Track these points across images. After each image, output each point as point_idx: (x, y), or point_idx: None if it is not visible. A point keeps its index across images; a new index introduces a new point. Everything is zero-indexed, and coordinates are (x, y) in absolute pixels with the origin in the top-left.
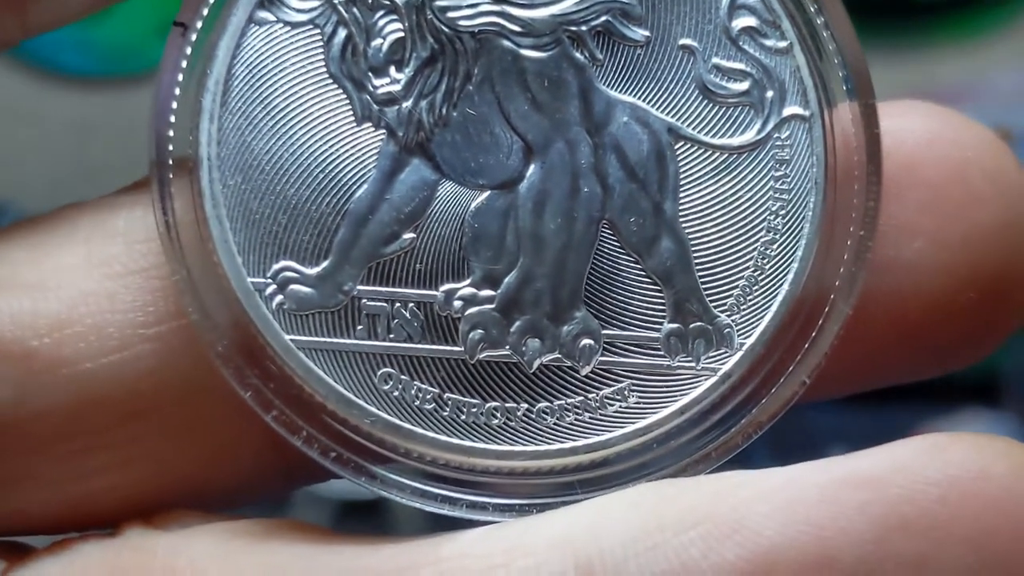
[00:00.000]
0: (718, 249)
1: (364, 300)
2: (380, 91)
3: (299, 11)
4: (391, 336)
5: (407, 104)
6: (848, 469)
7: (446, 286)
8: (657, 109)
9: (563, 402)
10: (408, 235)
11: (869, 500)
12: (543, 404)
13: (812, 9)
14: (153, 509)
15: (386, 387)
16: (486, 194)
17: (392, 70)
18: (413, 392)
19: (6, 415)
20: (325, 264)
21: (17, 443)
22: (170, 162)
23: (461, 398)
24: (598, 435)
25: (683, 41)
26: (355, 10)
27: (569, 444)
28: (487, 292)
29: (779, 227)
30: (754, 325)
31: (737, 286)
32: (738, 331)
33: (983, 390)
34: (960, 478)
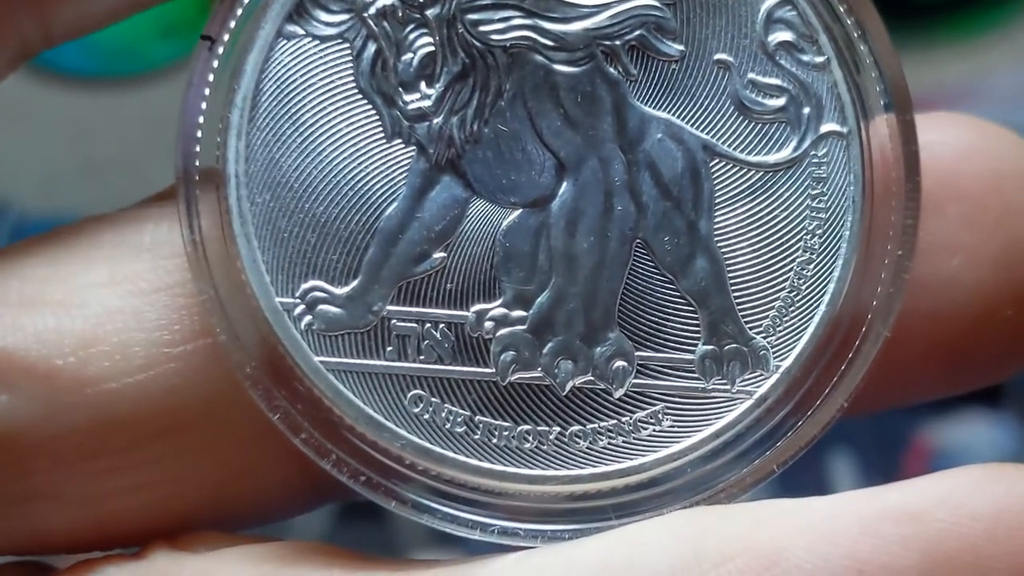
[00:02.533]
0: (754, 269)
1: (394, 321)
2: (410, 107)
3: (328, 25)
4: (421, 357)
5: (438, 120)
6: (891, 501)
7: (477, 306)
8: (692, 125)
9: (596, 425)
10: (439, 254)
11: (912, 534)
12: (575, 427)
13: (849, 22)
14: (178, 528)
15: (416, 409)
16: (518, 212)
17: (423, 85)
18: (444, 415)
19: (31, 433)
20: (354, 284)
21: (41, 461)
22: (197, 179)
23: (492, 421)
24: (631, 459)
25: (718, 56)
26: (385, 24)
27: (602, 468)
28: (519, 313)
29: (816, 247)
30: (790, 347)
31: (773, 307)
32: (774, 353)
33: (983, 391)
34: (1006, 512)
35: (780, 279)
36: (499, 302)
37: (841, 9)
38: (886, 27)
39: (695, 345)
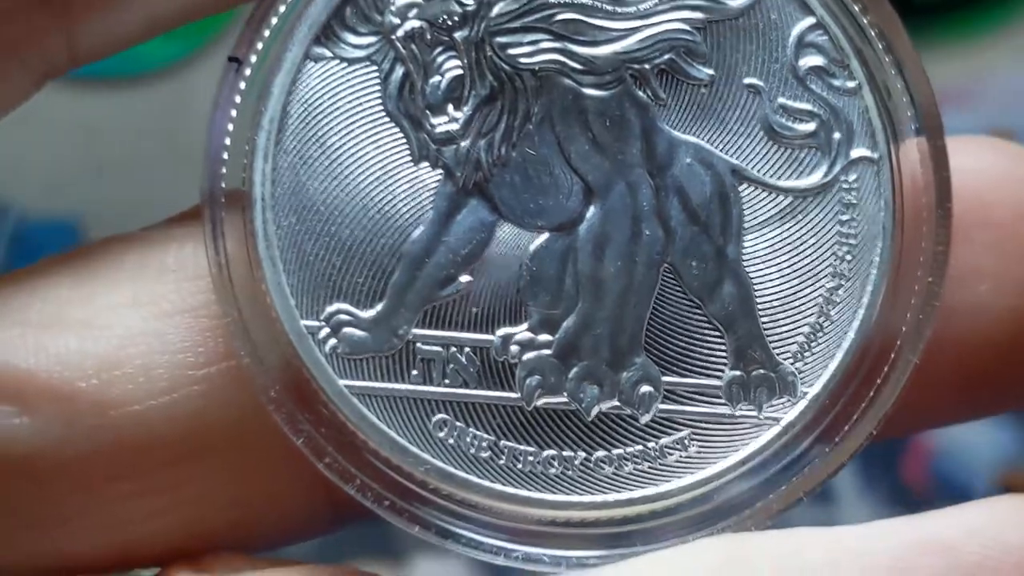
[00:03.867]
0: (782, 295)
1: (419, 344)
2: (438, 130)
3: (356, 47)
4: (446, 382)
5: (465, 143)
6: (922, 533)
7: (503, 330)
8: (721, 150)
9: (622, 451)
10: (465, 278)
11: (944, 567)
12: (601, 453)
13: (880, 47)
14: (199, 550)
15: (441, 434)
16: (545, 236)
17: (450, 108)
18: (468, 439)
19: (53, 456)
20: (380, 307)
21: (63, 484)
22: (223, 200)
23: (517, 446)
24: (657, 485)
25: (748, 80)
26: (413, 47)
27: (627, 494)
28: (545, 337)
29: (845, 272)
30: (818, 373)
31: (801, 333)
32: (802, 379)
33: None
34: None
35: (809, 305)
36: (525, 326)
37: (872, 33)
38: (910, 43)
39: (722, 371)
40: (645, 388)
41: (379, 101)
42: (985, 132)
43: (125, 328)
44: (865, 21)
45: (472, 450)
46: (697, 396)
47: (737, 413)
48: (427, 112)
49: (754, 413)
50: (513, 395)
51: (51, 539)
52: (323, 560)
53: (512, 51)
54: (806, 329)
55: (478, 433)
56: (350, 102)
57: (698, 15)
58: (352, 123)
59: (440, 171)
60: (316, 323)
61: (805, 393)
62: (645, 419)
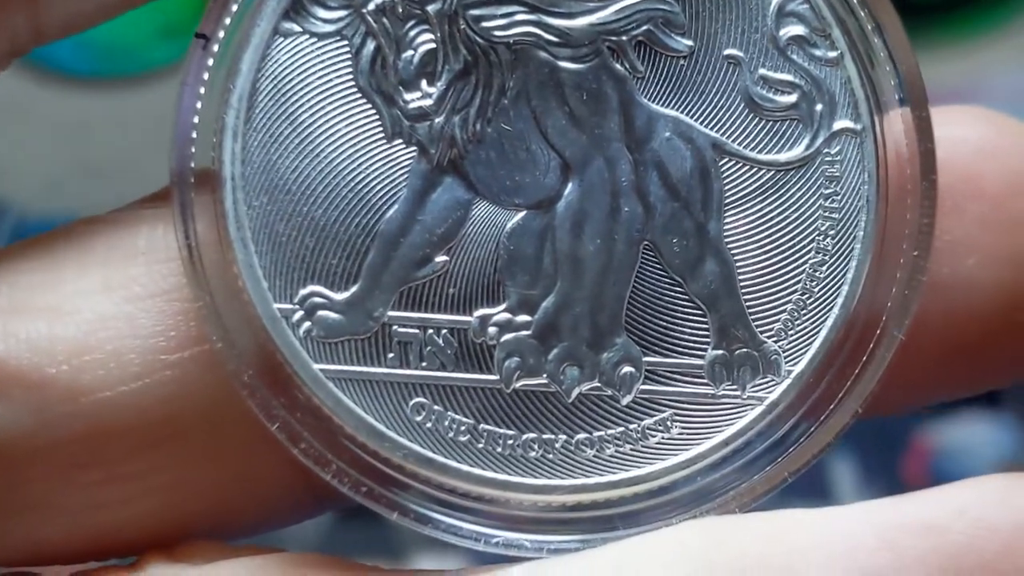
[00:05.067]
0: (765, 271)
1: (395, 327)
2: (411, 106)
3: (326, 21)
4: (423, 364)
5: (439, 119)
6: (909, 513)
7: (480, 311)
8: (701, 123)
9: (603, 433)
10: (441, 258)
11: (930, 548)
12: (582, 435)
13: (863, 14)
14: (175, 538)
15: (419, 418)
16: (522, 214)
17: (424, 83)
18: (446, 423)
19: (23, 443)
20: (354, 289)
21: (35, 471)
22: (192, 181)
23: (496, 429)
24: (639, 467)
25: (728, 51)
26: (385, 20)
27: (609, 477)
28: (523, 318)
29: (829, 248)
30: (802, 351)
31: (785, 310)
32: (786, 358)
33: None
34: (1022, 523)
35: (792, 281)
36: (503, 307)
37: (855, 1)
38: (895, 12)
39: (704, 350)
40: (626, 368)
41: (351, 77)
42: None
43: (95, 313)
44: None
45: (451, 434)
46: (679, 376)
47: (720, 393)
48: (400, 88)
49: (737, 393)
50: (492, 377)
51: (23, 528)
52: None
53: (486, 24)
54: (789, 306)
55: (456, 417)
56: (321, 78)
57: None
58: (323, 100)
59: (414, 148)
60: (290, 306)
61: (789, 372)
62: (626, 400)
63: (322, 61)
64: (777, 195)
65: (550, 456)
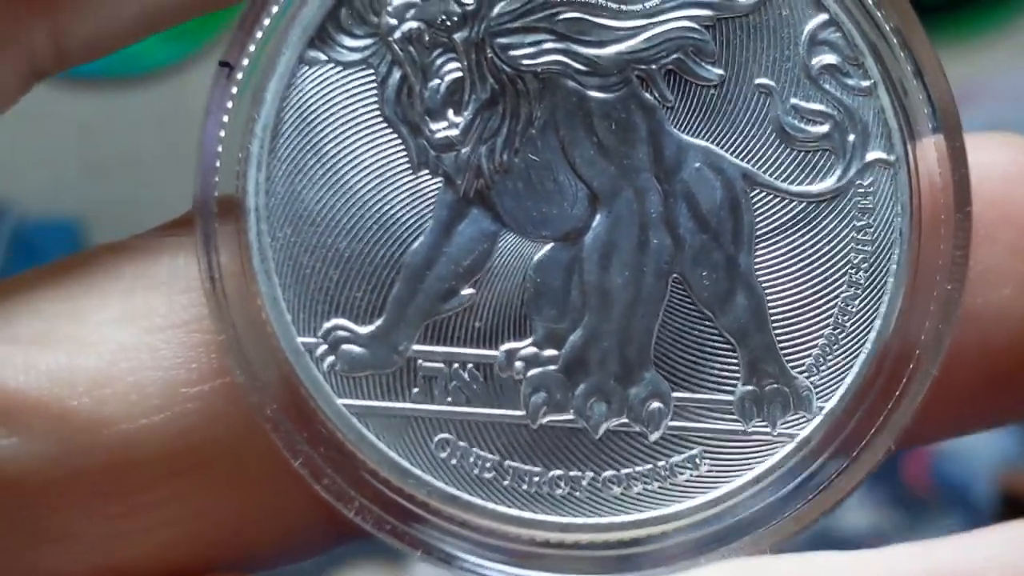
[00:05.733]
0: (796, 305)
1: (420, 361)
2: (437, 135)
3: (352, 50)
4: (449, 399)
5: (466, 149)
6: (946, 560)
7: (507, 345)
8: (731, 153)
9: (630, 470)
10: (467, 291)
11: None
12: (609, 472)
13: (896, 43)
14: (196, 570)
15: (443, 454)
16: (549, 246)
17: (450, 113)
18: (471, 460)
19: (43, 475)
20: (379, 322)
21: (54, 503)
22: (215, 211)
23: (522, 466)
24: (667, 506)
25: (759, 80)
26: (411, 49)
27: (636, 515)
28: (550, 352)
29: (861, 281)
30: (834, 387)
31: (816, 345)
32: (817, 394)
33: None
34: None
35: (824, 315)
36: (530, 341)
37: (887, 28)
38: (927, 39)
39: (734, 385)
40: (654, 404)
41: (376, 106)
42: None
43: (117, 344)
44: (880, 16)
45: (476, 471)
46: (708, 412)
47: (750, 430)
48: (426, 117)
49: (768, 429)
50: (518, 413)
51: (42, 560)
52: (322, 564)
53: (514, 52)
54: (821, 341)
55: (482, 453)
56: (346, 107)
57: (706, 12)
58: (348, 129)
59: (440, 179)
60: (313, 340)
61: (821, 408)
62: (655, 436)
63: (348, 90)
64: (809, 227)
65: (576, 493)
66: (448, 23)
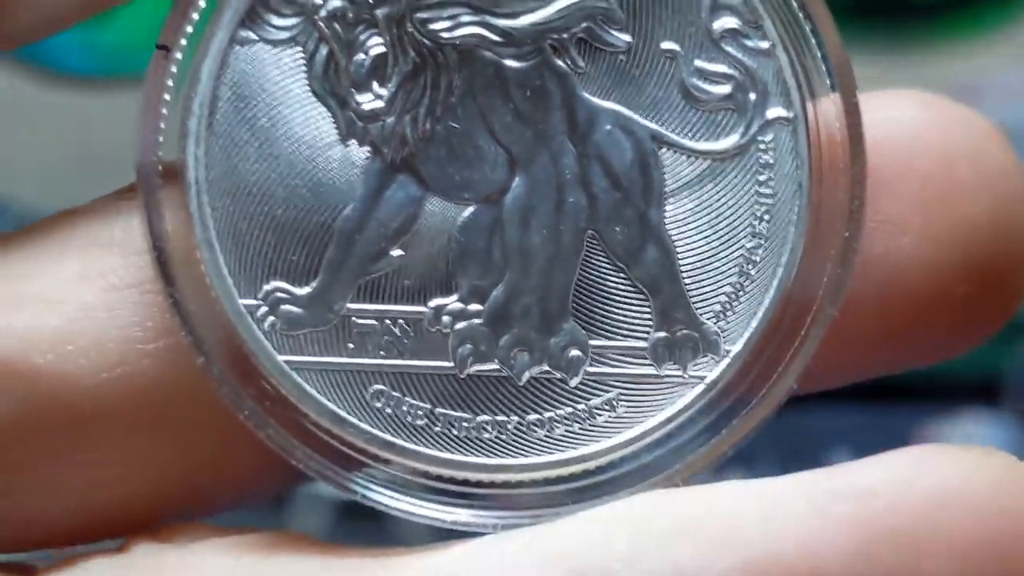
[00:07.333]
0: (704, 256)
1: (354, 318)
2: (363, 107)
3: (281, 29)
4: (381, 353)
5: (391, 120)
6: (839, 481)
7: (434, 302)
8: (640, 115)
9: (553, 414)
10: (396, 252)
11: (856, 512)
12: (533, 416)
13: (794, 4)
14: (156, 518)
15: (378, 404)
16: (472, 208)
17: (375, 85)
18: (405, 408)
19: (8, 430)
20: (315, 284)
21: (22, 456)
22: (159, 182)
23: (452, 412)
24: (588, 445)
25: (665, 45)
26: (336, 25)
27: (559, 455)
28: (475, 307)
29: (764, 232)
30: (740, 332)
31: (723, 293)
32: (725, 338)
33: (983, 390)
34: (943, 488)
35: (729, 265)
36: (456, 297)
37: None
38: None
39: (647, 332)
40: (573, 352)
41: (306, 81)
42: None
43: (77, 302)
44: None
45: (409, 418)
46: (624, 358)
47: (663, 373)
48: (352, 90)
49: (679, 373)
50: (446, 364)
51: (14, 509)
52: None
53: (433, 26)
54: (728, 289)
55: (414, 402)
56: (277, 83)
57: None
58: (280, 104)
59: (368, 148)
60: (254, 302)
61: (728, 351)
62: (574, 382)
63: (278, 67)
64: (714, 183)
65: (503, 437)
66: (370, 0)
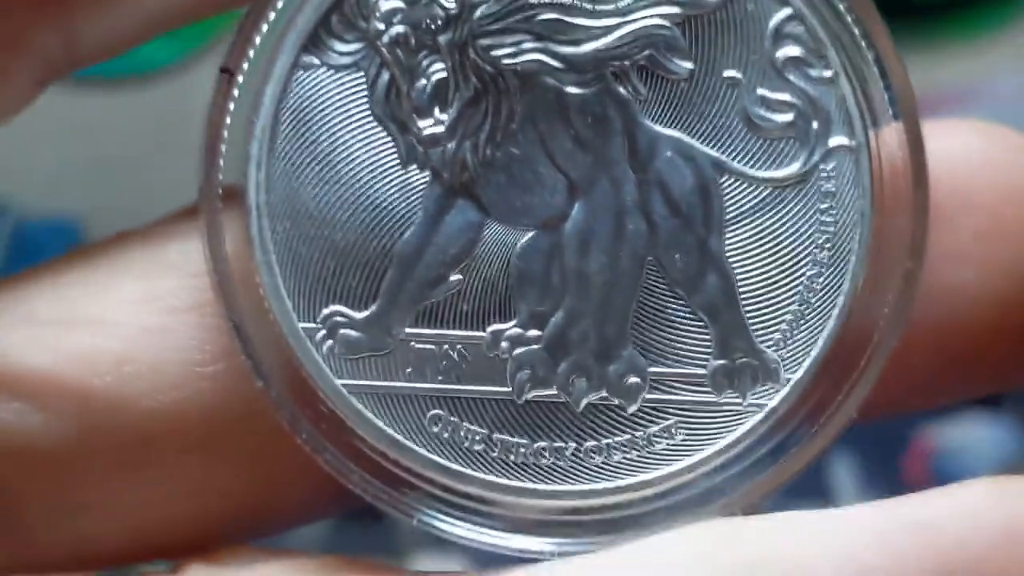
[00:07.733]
0: (764, 283)
1: (412, 343)
2: (424, 132)
3: (343, 54)
4: (440, 378)
5: (451, 145)
6: (904, 514)
7: (493, 327)
8: (701, 143)
9: (610, 440)
10: (455, 277)
11: (925, 546)
12: (591, 443)
13: (857, 33)
14: (209, 539)
15: (435, 429)
16: (531, 234)
17: (436, 111)
18: (462, 433)
19: (68, 450)
20: (373, 308)
21: (79, 476)
22: (220, 207)
23: (509, 438)
24: (646, 473)
25: (727, 73)
26: (398, 51)
27: (616, 483)
28: (534, 332)
29: (825, 260)
30: (800, 360)
31: (784, 320)
32: (785, 366)
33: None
34: (1012, 522)
35: (790, 293)
36: (514, 322)
37: (849, 20)
38: (887, 30)
39: (707, 360)
40: (632, 379)
41: (367, 106)
42: None
43: (136, 325)
44: (841, 9)
45: (466, 443)
46: (683, 385)
47: (722, 401)
48: (413, 115)
49: (739, 400)
50: (504, 389)
51: (76, 527)
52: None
53: (495, 52)
54: (788, 317)
55: (471, 427)
56: (339, 108)
57: (676, 10)
58: (341, 129)
59: (428, 173)
60: (313, 325)
61: (788, 379)
62: (632, 409)
63: (340, 92)
64: (775, 211)
65: (561, 463)
66: (433, 27)
